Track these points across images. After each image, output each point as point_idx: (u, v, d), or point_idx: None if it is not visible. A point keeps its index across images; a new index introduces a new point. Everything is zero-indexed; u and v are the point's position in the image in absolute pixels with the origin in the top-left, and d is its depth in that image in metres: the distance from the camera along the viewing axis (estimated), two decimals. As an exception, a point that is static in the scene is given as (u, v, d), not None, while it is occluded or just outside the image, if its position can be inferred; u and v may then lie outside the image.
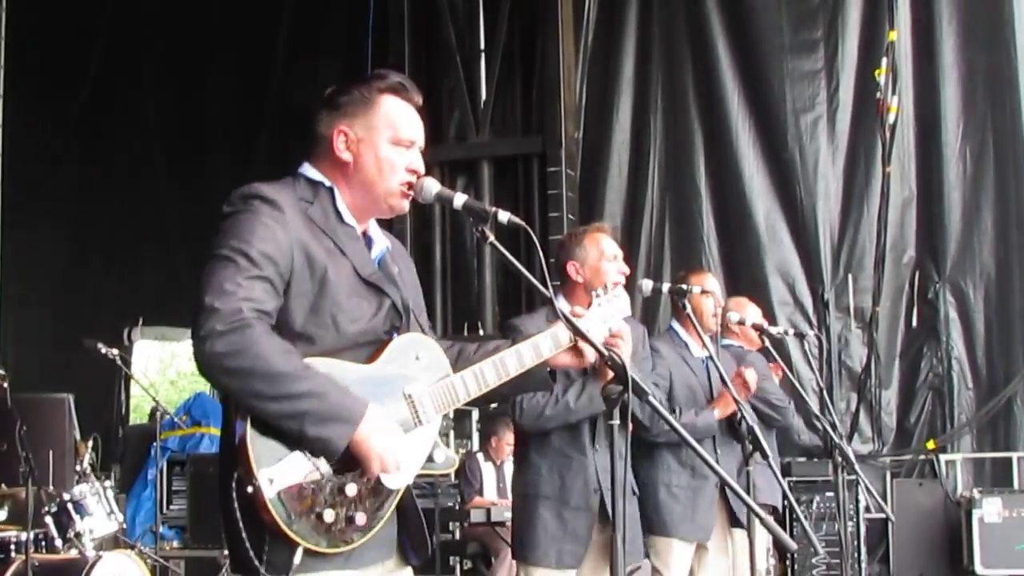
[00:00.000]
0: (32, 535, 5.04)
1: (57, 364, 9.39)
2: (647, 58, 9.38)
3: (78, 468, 5.81)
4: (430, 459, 2.51)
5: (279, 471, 2.27)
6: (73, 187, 10.73)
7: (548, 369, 2.77)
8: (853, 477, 4.71)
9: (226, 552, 2.42)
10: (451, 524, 8.14)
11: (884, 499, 7.85)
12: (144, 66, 10.71)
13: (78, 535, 5.26)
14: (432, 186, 2.55)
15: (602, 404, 3.65)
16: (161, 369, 21.91)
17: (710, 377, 4.70)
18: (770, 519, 2.38)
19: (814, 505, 7.36)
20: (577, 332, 2.65)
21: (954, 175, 8.52)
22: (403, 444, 2.40)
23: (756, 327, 4.97)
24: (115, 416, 9.96)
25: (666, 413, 2.56)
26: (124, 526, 6.09)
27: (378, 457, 2.32)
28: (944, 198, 8.53)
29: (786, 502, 5.12)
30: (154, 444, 8.24)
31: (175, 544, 8.33)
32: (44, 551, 5.29)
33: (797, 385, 5.22)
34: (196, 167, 10.35)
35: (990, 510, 7.54)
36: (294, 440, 2.28)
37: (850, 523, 6.66)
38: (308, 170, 2.55)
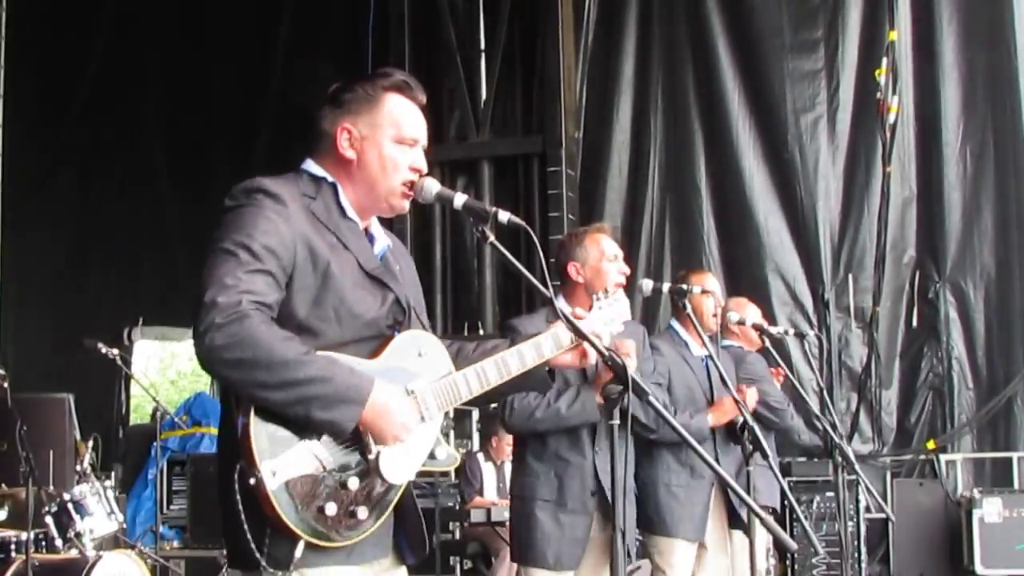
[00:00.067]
0: (32, 535, 5.04)
1: (57, 364, 9.40)
2: (647, 58, 9.37)
3: (78, 468, 5.81)
4: (432, 455, 2.51)
5: (282, 463, 2.26)
6: (73, 187, 10.73)
7: (547, 369, 2.77)
8: (853, 477, 4.72)
9: (226, 552, 2.40)
10: (451, 524, 8.13)
11: (884, 499, 7.85)
12: (144, 66, 10.69)
13: (78, 535, 5.26)
14: (432, 186, 2.55)
15: (596, 412, 3.70)
16: (161, 369, 21.92)
17: (710, 376, 4.70)
18: (770, 519, 2.37)
19: (814, 505, 7.37)
20: (578, 332, 2.64)
21: (954, 175, 8.52)
22: (411, 408, 2.40)
23: (756, 327, 4.97)
24: (115, 416, 9.96)
25: (667, 414, 2.55)
26: (124, 526, 6.09)
27: (389, 431, 2.33)
28: (944, 198, 8.52)
29: (786, 502, 5.12)
30: (154, 444, 8.25)
31: (175, 544, 8.34)
32: (44, 551, 5.29)
33: (798, 386, 5.21)
34: (196, 167, 10.33)
35: (990, 510, 7.54)
36: (301, 426, 2.27)
37: (850, 523, 6.67)
38: (311, 166, 2.55)
